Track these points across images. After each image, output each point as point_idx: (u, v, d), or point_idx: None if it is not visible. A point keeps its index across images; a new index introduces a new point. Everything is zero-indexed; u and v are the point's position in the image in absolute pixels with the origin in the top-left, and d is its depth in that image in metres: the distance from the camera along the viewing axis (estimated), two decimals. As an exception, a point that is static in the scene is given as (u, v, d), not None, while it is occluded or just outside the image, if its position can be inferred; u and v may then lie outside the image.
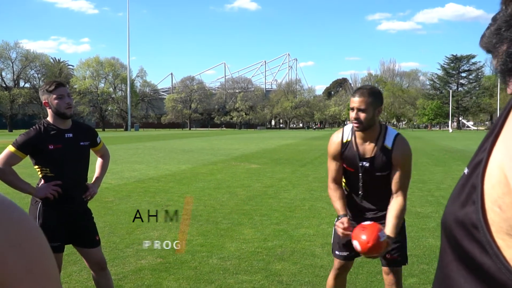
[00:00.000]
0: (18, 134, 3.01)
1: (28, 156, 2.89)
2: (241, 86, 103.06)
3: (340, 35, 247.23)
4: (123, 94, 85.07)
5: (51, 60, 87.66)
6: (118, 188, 9.43)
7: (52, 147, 2.83)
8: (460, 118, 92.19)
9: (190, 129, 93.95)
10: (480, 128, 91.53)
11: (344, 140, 2.71)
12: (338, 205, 2.70)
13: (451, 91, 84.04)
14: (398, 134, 2.67)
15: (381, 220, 2.65)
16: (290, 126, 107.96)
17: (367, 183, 2.68)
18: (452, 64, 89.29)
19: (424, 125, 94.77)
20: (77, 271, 4.28)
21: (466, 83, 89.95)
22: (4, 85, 75.46)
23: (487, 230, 0.53)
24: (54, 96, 2.85)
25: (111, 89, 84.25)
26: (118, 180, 10.45)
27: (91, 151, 3.18)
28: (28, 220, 0.53)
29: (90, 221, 3.11)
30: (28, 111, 73.76)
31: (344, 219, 2.59)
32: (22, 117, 74.69)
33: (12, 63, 76.47)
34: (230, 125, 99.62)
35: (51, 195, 2.81)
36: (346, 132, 2.73)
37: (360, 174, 2.67)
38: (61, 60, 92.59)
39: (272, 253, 4.87)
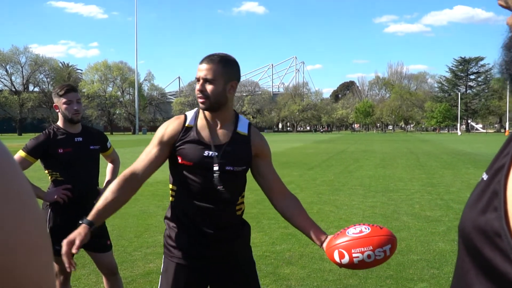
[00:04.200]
0: (27, 138, 3.03)
1: (39, 160, 2.91)
2: (248, 90, 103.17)
3: (347, 38, 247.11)
4: (131, 97, 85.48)
5: (60, 65, 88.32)
6: (126, 191, 9.45)
7: (61, 151, 2.84)
8: (469, 121, 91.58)
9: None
10: (490, 130, 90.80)
11: (186, 124, 2.00)
12: (100, 203, 1.96)
13: (459, 93, 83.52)
14: (251, 123, 2.12)
15: (226, 242, 2.02)
16: (297, 129, 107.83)
17: (212, 180, 1.95)
18: (460, 67, 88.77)
19: (432, 128, 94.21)
20: (85, 275, 4.29)
21: (475, 85, 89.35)
22: (14, 89, 76.14)
23: (511, 238, 0.51)
24: (63, 100, 2.86)
25: (119, 93, 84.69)
26: (126, 184, 10.49)
27: (103, 157, 3.20)
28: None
29: (101, 225, 3.11)
30: (37, 115, 74.35)
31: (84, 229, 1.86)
32: (31, 121, 75.27)
33: (21, 67, 77.22)
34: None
35: (61, 199, 2.82)
36: (189, 116, 2.03)
37: (214, 169, 1.95)
38: (70, 65, 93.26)
39: (281, 257, 4.85)
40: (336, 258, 1.76)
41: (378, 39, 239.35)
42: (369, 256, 1.71)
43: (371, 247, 1.71)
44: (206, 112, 2.00)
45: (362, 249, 1.71)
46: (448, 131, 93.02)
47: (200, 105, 1.95)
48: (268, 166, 2.10)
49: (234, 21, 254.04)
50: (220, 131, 2.01)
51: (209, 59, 1.93)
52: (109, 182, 3.27)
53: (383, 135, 65.25)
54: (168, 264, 2.02)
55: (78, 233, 1.82)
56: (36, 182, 3.23)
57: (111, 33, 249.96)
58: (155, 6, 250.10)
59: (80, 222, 1.89)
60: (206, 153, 1.95)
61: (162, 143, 2.00)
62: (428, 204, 7.86)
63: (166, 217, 2.11)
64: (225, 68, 1.93)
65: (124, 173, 1.97)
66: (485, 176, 0.59)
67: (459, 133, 71.36)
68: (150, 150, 2.01)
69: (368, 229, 1.77)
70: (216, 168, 1.94)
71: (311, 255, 4.88)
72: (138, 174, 1.97)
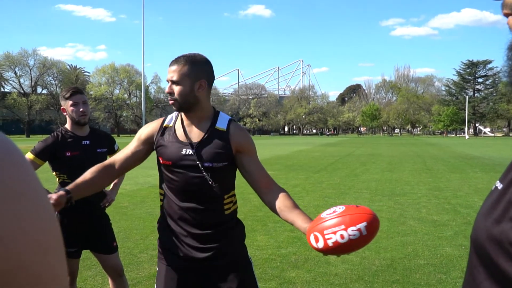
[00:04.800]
0: (35, 140, 3.06)
1: (47, 162, 2.93)
2: (255, 93, 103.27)
3: (353, 41, 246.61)
4: (137, 100, 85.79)
5: (68, 67, 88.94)
6: (133, 193, 9.49)
7: (69, 154, 2.86)
8: (476, 125, 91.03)
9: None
10: (498, 134, 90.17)
11: (164, 125, 2.08)
12: (79, 179, 2.06)
13: (467, 97, 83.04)
14: (232, 119, 2.09)
15: (210, 241, 1.99)
16: (304, 132, 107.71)
17: (192, 178, 1.97)
18: (468, 70, 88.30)
19: (439, 131, 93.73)
20: (92, 276, 4.30)
21: (482, 88, 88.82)
22: (22, 92, 76.72)
23: None
24: (70, 103, 2.88)
25: (126, 95, 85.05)
26: (132, 186, 10.52)
27: None
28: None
29: (108, 227, 3.12)
30: (45, 117, 74.82)
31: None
32: (39, 123, 75.79)
33: (30, 70, 77.81)
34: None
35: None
36: (169, 117, 2.11)
37: (190, 165, 1.96)
38: (77, 67, 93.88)
39: (286, 260, 4.84)
40: (313, 243, 1.67)
41: (385, 42, 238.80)
42: (342, 236, 1.59)
43: (343, 226, 1.60)
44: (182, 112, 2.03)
45: (334, 229, 1.61)
46: (456, 134, 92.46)
47: (173, 107, 1.99)
48: (252, 162, 2.05)
49: (241, 24, 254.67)
50: (196, 129, 2.01)
51: (175, 60, 1.96)
52: (116, 185, 3.29)
53: (390, 139, 65.01)
54: (160, 267, 2.07)
55: (55, 194, 1.89)
56: (44, 183, 3.25)
57: (118, 36, 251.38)
58: (162, 9, 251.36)
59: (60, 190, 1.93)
60: (183, 151, 1.97)
61: (139, 140, 2.09)
62: (435, 208, 7.81)
63: (158, 222, 2.15)
64: (191, 68, 1.94)
65: (105, 161, 2.16)
66: (499, 185, 0.58)
67: (467, 136, 70.90)
68: (129, 145, 2.12)
69: (342, 208, 1.67)
70: (192, 165, 1.96)
71: (317, 259, 4.87)
72: (115, 164, 2.10)
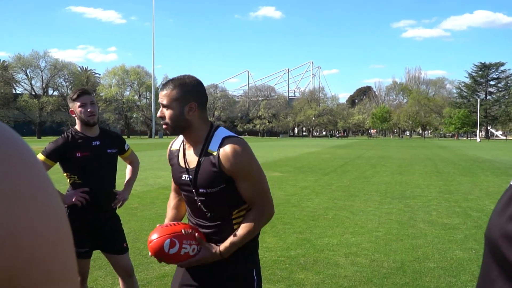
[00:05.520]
0: (47, 141, 3.09)
1: (58, 163, 2.96)
2: (264, 94, 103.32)
3: (364, 43, 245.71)
4: (147, 101, 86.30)
5: (79, 69, 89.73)
6: (143, 194, 9.54)
7: (79, 155, 2.88)
8: (488, 127, 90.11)
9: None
10: (510, 137, 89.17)
11: (172, 148, 2.15)
12: (168, 214, 2.26)
13: (479, 99, 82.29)
14: (228, 137, 1.98)
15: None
16: (313, 134, 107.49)
17: (196, 201, 2.02)
18: (480, 72, 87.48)
19: (450, 134, 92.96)
20: (102, 276, 4.34)
21: (495, 91, 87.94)
22: (34, 93, 77.51)
23: None
24: (78, 104, 2.91)
25: (136, 97, 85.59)
26: (142, 187, 10.58)
27: (121, 159, 3.24)
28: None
29: (118, 227, 3.15)
30: (56, 119, 75.53)
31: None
32: (51, 124, 76.49)
33: (41, 71, 78.60)
34: (253, 133, 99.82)
35: (79, 201, 2.86)
36: (178, 139, 2.16)
37: (192, 190, 2.01)
38: (88, 69, 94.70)
39: (295, 262, 4.84)
40: (166, 248, 1.90)
41: (396, 44, 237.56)
42: (193, 250, 1.95)
43: (197, 243, 1.97)
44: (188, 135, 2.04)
45: (191, 242, 1.95)
46: (467, 137, 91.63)
47: (166, 131, 2.03)
48: (246, 188, 1.97)
49: (251, 26, 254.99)
50: (192, 154, 2.03)
51: (165, 85, 1.98)
52: (128, 184, 3.31)
53: (400, 141, 64.61)
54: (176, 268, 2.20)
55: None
56: (56, 184, 3.29)
57: (129, 37, 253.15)
58: (173, 11, 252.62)
59: None
60: (183, 176, 2.04)
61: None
62: (445, 212, 7.76)
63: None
64: (179, 91, 1.93)
65: (171, 194, 2.32)
66: None
67: (478, 139, 70.22)
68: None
69: (194, 231, 2.01)
70: (193, 190, 2.01)
71: (326, 261, 4.86)
72: (177, 191, 2.27)
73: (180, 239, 1.92)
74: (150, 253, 1.95)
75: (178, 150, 2.10)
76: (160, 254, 1.91)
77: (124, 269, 3.09)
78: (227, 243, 1.95)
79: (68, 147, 2.89)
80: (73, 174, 2.93)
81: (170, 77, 2.14)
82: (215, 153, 1.94)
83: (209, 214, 2.01)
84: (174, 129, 1.97)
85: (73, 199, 2.86)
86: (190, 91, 1.95)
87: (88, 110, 2.90)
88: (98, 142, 2.98)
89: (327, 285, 4.15)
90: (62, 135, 2.98)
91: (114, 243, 3.08)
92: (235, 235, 1.95)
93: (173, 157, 2.12)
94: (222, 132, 2.01)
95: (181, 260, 1.95)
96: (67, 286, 0.42)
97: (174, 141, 2.18)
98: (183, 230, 1.95)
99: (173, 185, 2.26)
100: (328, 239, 5.81)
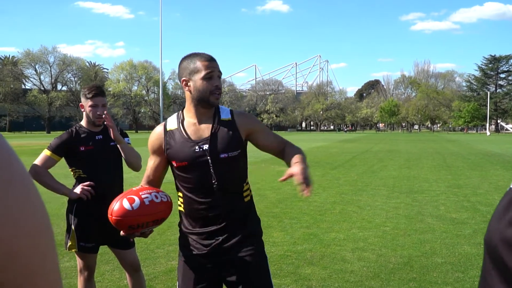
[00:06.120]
0: (56, 136, 3.09)
1: (64, 158, 2.99)
2: (272, 88, 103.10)
3: (372, 36, 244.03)
4: (155, 96, 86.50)
5: (87, 64, 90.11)
6: (150, 189, 9.58)
7: (83, 149, 2.92)
8: (498, 121, 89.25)
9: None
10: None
11: (168, 129, 2.11)
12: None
13: (489, 92, 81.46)
14: (233, 110, 2.17)
15: (228, 239, 2.04)
16: (321, 128, 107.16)
17: (211, 173, 2.00)
18: (490, 65, 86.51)
19: (460, 128, 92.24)
20: (109, 271, 4.37)
21: (505, 84, 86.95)
22: (43, 88, 78.06)
23: None
24: (90, 103, 2.94)
25: (144, 92, 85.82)
26: (150, 182, 10.61)
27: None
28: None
29: None
30: (65, 114, 76.01)
31: None
32: (60, 119, 77.02)
33: (50, 67, 79.11)
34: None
35: (84, 195, 2.88)
36: (170, 121, 2.14)
37: (208, 159, 1.99)
38: (96, 64, 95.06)
39: (302, 257, 4.84)
40: (127, 205, 1.87)
41: (404, 37, 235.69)
42: (156, 197, 1.95)
43: (155, 190, 2.00)
44: (190, 111, 2.07)
45: (149, 191, 1.97)
46: (477, 131, 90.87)
47: (215, 101, 2.02)
48: (265, 136, 2.15)
49: (258, 20, 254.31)
50: (204, 125, 2.06)
51: (212, 57, 2.05)
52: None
53: (409, 135, 64.25)
54: (180, 263, 2.16)
55: None
56: (63, 179, 3.31)
57: (137, 32, 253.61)
58: (180, 5, 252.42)
59: None
60: (196, 148, 2.01)
61: (154, 152, 2.16)
62: (454, 206, 7.71)
63: (178, 225, 2.21)
64: None
65: (142, 182, 2.22)
66: None
67: (488, 133, 69.61)
68: (149, 161, 2.20)
69: (146, 186, 2.10)
70: (210, 159, 1.99)
71: (333, 256, 4.85)
72: (152, 180, 2.20)
73: (135, 192, 1.94)
74: (121, 231, 1.93)
75: (179, 128, 2.08)
76: (128, 216, 1.86)
77: (130, 264, 3.11)
78: (298, 158, 2.00)
79: (72, 142, 2.92)
80: (78, 168, 2.96)
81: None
82: (229, 119, 2.08)
83: (223, 186, 2.00)
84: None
85: (79, 194, 2.88)
86: None
87: (98, 112, 2.93)
88: (101, 136, 3.01)
89: (334, 280, 4.14)
90: (67, 130, 3.02)
91: (121, 238, 3.09)
92: (297, 155, 2.04)
93: (174, 136, 2.07)
94: (224, 107, 2.15)
95: (153, 211, 1.91)
96: (48, 279, 0.41)
97: (165, 123, 2.14)
98: (133, 188, 2.01)
99: (146, 177, 2.18)
100: (335, 234, 5.80)
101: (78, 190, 2.89)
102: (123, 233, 1.94)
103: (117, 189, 3.09)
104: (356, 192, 9.23)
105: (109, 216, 1.91)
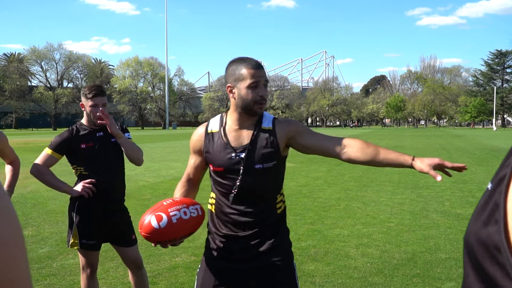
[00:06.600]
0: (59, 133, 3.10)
1: (65, 156, 3.00)
2: (277, 84, 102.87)
3: (378, 32, 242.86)
4: (161, 93, 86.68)
5: (93, 61, 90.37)
6: (155, 186, 9.61)
7: (84, 146, 2.92)
8: (505, 116, 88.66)
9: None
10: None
11: (209, 131, 2.08)
12: (176, 194, 2.18)
13: (495, 87, 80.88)
14: (277, 118, 2.10)
15: (257, 247, 2.00)
16: (327, 124, 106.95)
17: (245, 182, 1.97)
18: (496, 60, 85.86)
19: (466, 123, 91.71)
20: (114, 268, 4.39)
21: (511, 79, 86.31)
22: (49, 85, 78.47)
23: (510, 253, 0.49)
24: (90, 103, 2.94)
25: (149, 88, 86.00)
26: (155, 178, 10.66)
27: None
28: None
29: (127, 219, 3.17)
30: (71, 110, 76.38)
31: None
32: (66, 116, 77.43)
33: (56, 64, 79.48)
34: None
35: (85, 193, 2.89)
36: (213, 122, 2.10)
37: (241, 170, 1.96)
38: (102, 61, 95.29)
39: (306, 253, 4.84)
40: (154, 223, 1.84)
41: (411, 32, 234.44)
42: (185, 213, 1.90)
43: (185, 205, 1.93)
44: (232, 116, 2.03)
45: (178, 207, 1.90)
46: (483, 126, 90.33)
47: (259, 110, 1.98)
48: (309, 137, 2.03)
49: (264, 16, 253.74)
50: (245, 132, 2.02)
51: (259, 64, 1.98)
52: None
53: (415, 130, 63.97)
54: (201, 263, 2.13)
55: None
56: (68, 175, 3.33)
57: (142, 29, 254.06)
58: (186, 1, 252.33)
59: None
60: (233, 155, 1.98)
61: (194, 152, 2.16)
62: (458, 202, 7.68)
63: (207, 225, 2.17)
64: None
65: (180, 183, 2.22)
66: (490, 186, 0.57)
67: (495, 128, 69.14)
68: (189, 160, 2.21)
69: (178, 198, 2.00)
70: (243, 168, 1.96)
71: (336, 252, 4.85)
72: (191, 178, 2.22)
73: (164, 209, 1.89)
74: (152, 244, 1.91)
75: (220, 132, 2.04)
76: (155, 233, 1.85)
77: (132, 261, 3.12)
78: (399, 153, 1.96)
79: (73, 140, 2.93)
80: (79, 166, 2.96)
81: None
82: (270, 128, 2.02)
83: (254, 195, 1.98)
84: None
85: (80, 191, 2.89)
86: None
87: (98, 114, 2.93)
88: (101, 133, 3.01)
89: (337, 276, 4.14)
90: (68, 128, 3.03)
91: (123, 235, 3.11)
92: (383, 151, 1.97)
93: (214, 139, 2.04)
94: (269, 114, 2.10)
95: (181, 228, 1.88)
96: (20, 286, 0.40)
97: (207, 124, 2.11)
98: (164, 202, 1.94)
99: (186, 175, 2.20)
100: (339, 230, 5.80)
101: (79, 187, 2.90)
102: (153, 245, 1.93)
103: (119, 186, 3.10)
104: (361, 188, 9.22)
105: (139, 229, 1.91)
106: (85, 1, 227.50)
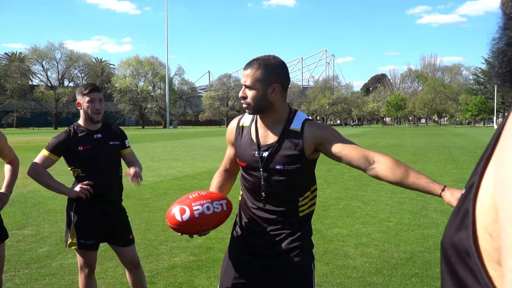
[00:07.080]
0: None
1: (63, 157, 3.00)
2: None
3: (379, 30, 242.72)
4: (162, 92, 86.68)
5: (94, 60, 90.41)
6: (155, 185, 9.62)
7: (81, 148, 2.92)
8: (505, 114, 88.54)
9: (227, 126, 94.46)
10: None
11: (241, 124, 2.10)
12: (212, 186, 2.19)
13: (496, 85, 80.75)
14: (309, 119, 2.04)
15: (279, 243, 2.00)
16: (327, 123, 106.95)
17: (269, 182, 1.98)
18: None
19: (467, 121, 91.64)
20: (113, 267, 4.39)
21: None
22: (50, 85, 78.55)
23: (478, 259, 0.50)
24: (87, 99, 2.94)
25: (150, 88, 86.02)
26: (155, 178, 10.66)
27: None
28: None
29: (124, 219, 3.17)
30: (72, 110, 76.37)
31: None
32: (67, 115, 77.47)
33: (57, 63, 79.55)
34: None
35: (83, 194, 2.89)
36: (247, 116, 2.10)
37: (261, 169, 1.98)
38: (103, 60, 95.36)
39: (305, 252, 4.83)
40: (178, 216, 1.91)
41: (411, 30, 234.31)
42: (208, 208, 1.92)
43: (209, 200, 1.95)
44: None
45: (202, 201, 1.93)
46: (484, 124, 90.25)
47: (246, 110, 1.99)
48: (337, 145, 1.95)
49: (264, 15, 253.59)
50: (271, 131, 2.01)
51: (249, 64, 1.94)
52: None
53: (415, 129, 63.94)
54: (225, 254, 2.19)
55: None
56: (66, 175, 3.32)
57: (143, 28, 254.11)
58: (186, 1, 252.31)
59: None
60: (256, 153, 1.99)
61: (229, 143, 2.21)
62: (458, 201, 7.66)
63: (236, 215, 2.22)
64: (264, 72, 1.91)
65: (217, 173, 2.26)
66: (464, 191, 0.58)
67: (495, 126, 69.03)
68: (227, 150, 2.26)
69: (205, 192, 2.01)
70: (263, 167, 1.97)
71: (335, 252, 4.85)
72: (228, 169, 2.26)
73: (188, 203, 1.93)
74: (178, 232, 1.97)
75: (250, 127, 2.06)
76: (179, 225, 1.92)
77: (130, 260, 3.13)
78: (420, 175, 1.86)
79: (70, 142, 2.93)
80: (77, 168, 2.96)
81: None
82: (298, 130, 1.97)
83: (271, 196, 1.98)
84: (255, 109, 1.96)
85: (77, 193, 2.89)
86: (275, 72, 1.94)
87: (96, 107, 2.94)
88: (99, 135, 3.01)
89: (336, 276, 4.14)
90: (65, 130, 3.02)
91: (120, 235, 3.11)
92: (413, 175, 1.85)
93: (243, 133, 2.06)
94: (302, 114, 2.05)
95: (203, 222, 1.92)
96: None
97: (241, 117, 2.13)
98: (190, 196, 1.97)
99: (223, 165, 2.24)
100: (338, 229, 5.80)
101: (77, 189, 2.90)
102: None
103: (117, 187, 3.11)
104: (361, 187, 9.22)
105: (166, 219, 1.98)
106: (86, 1, 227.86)
